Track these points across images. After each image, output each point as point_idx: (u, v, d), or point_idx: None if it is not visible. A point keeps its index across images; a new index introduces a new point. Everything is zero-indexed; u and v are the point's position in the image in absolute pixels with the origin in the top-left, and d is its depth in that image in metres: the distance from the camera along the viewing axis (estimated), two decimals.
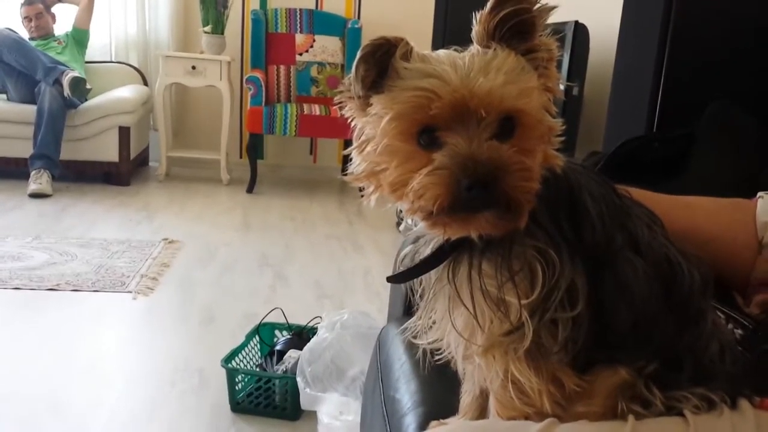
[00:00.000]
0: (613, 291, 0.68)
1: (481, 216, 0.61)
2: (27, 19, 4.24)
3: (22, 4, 4.27)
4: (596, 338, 0.68)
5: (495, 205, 0.60)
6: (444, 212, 0.60)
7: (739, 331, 0.81)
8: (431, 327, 0.74)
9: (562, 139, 0.66)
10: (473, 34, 0.66)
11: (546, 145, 0.64)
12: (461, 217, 0.61)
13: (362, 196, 0.69)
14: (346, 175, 0.69)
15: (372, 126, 0.64)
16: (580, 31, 2.63)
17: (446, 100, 0.60)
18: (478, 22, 0.65)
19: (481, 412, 0.80)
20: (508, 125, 0.61)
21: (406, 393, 0.95)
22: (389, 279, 0.76)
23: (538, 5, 0.64)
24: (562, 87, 0.68)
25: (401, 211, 0.68)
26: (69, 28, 4.40)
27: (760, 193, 0.90)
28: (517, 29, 0.64)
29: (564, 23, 2.60)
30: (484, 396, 0.79)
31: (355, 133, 0.68)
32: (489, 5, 0.64)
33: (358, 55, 0.64)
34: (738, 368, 0.71)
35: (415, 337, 0.77)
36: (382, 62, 0.63)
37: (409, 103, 0.61)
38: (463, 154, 0.59)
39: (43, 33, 4.28)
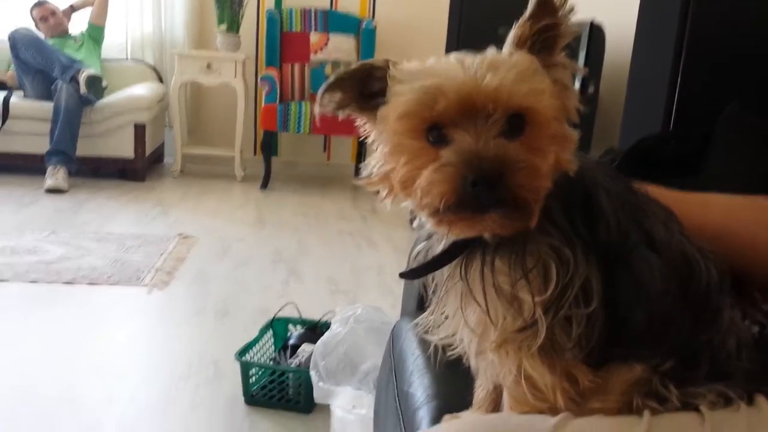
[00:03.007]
0: (628, 288, 0.67)
1: (488, 217, 0.60)
2: (42, 19, 4.28)
3: (33, 7, 4.30)
4: (611, 335, 0.67)
5: (501, 203, 0.59)
6: (450, 210, 0.60)
7: (756, 328, 0.81)
8: (443, 323, 0.74)
9: (577, 144, 0.66)
10: (509, 37, 0.66)
11: (558, 147, 0.63)
12: (467, 217, 0.61)
13: (377, 193, 0.70)
14: (359, 177, 0.69)
15: (382, 129, 0.65)
16: (596, 30, 2.62)
17: (452, 96, 0.60)
18: (517, 26, 0.65)
19: (495, 407, 0.80)
20: (518, 123, 0.61)
21: (420, 387, 0.96)
22: (402, 275, 0.76)
23: (571, 23, 0.65)
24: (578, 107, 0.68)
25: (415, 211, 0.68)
26: (85, 26, 4.44)
27: None
28: (547, 43, 0.65)
29: (580, 22, 2.59)
30: (497, 391, 0.79)
31: (369, 139, 0.68)
32: (528, 12, 0.65)
33: (329, 82, 0.66)
34: (755, 365, 0.71)
35: (427, 333, 0.77)
36: (361, 85, 0.66)
37: (416, 101, 0.61)
38: (469, 150, 0.59)
39: (60, 31, 4.31)
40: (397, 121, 0.62)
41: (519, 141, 0.60)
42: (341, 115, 0.69)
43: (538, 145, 0.61)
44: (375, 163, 0.66)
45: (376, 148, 0.67)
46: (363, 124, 0.69)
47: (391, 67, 0.65)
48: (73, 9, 4.46)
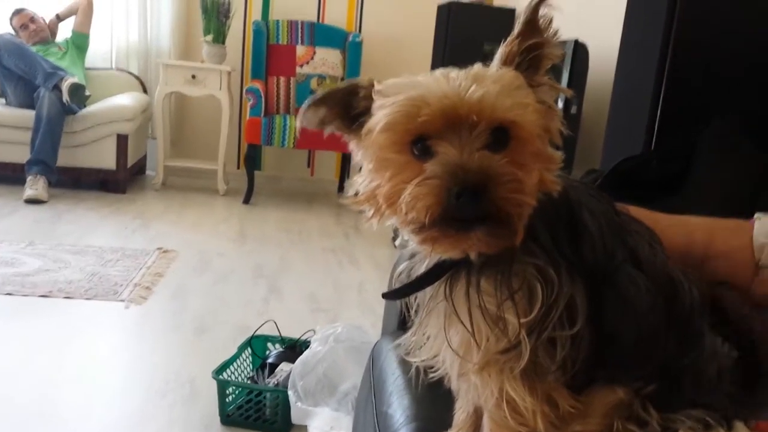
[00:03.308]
0: (615, 307, 0.67)
1: (473, 235, 0.60)
2: (22, 27, 4.24)
3: (12, 17, 4.27)
4: (598, 355, 0.67)
5: (485, 219, 0.59)
6: (435, 224, 0.59)
7: (736, 353, 0.80)
8: (425, 344, 0.73)
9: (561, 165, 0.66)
10: (497, 54, 0.66)
11: (542, 165, 0.63)
12: (452, 235, 0.60)
13: (361, 212, 0.69)
14: (345, 196, 0.68)
15: (367, 145, 0.65)
16: (579, 49, 2.64)
17: (436, 107, 0.60)
18: (505, 44, 0.66)
19: (475, 430, 0.79)
20: (502, 137, 0.61)
21: (399, 408, 0.94)
22: (385, 295, 0.75)
23: (557, 44, 0.66)
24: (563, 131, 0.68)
25: (397, 230, 0.67)
26: (69, 34, 4.42)
27: (757, 214, 0.90)
28: (533, 62, 0.65)
29: (564, 42, 2.61)
30: (478, 414, 0.78)
31: (354, 158, 0.68)
32: (516, 31, 0.66)
33: (314, 98, 0.67)
34: (735, 390, 0.71)
35: (407, 354, 0.76)
36: (345, 103, 0.66)
37: (399, 112, 0.61)
38: (453, 162, 0.59)
39: (44, 36, 4.29)
40: (381, 134, 0.62)
41: (503, 155, 0.60)
42: (326, 131, 0.69)
43: (522, 160, 0.61)
44: (361, 181, 0.66)
45: (362, 167, 0.66)
46: (348, 142, 0.69)
47: (375, 85, 0.65)
48: (59, 18, 4.44)
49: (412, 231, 0.62)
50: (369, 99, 0.65)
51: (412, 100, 0.61)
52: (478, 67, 0.64)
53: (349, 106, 0.67)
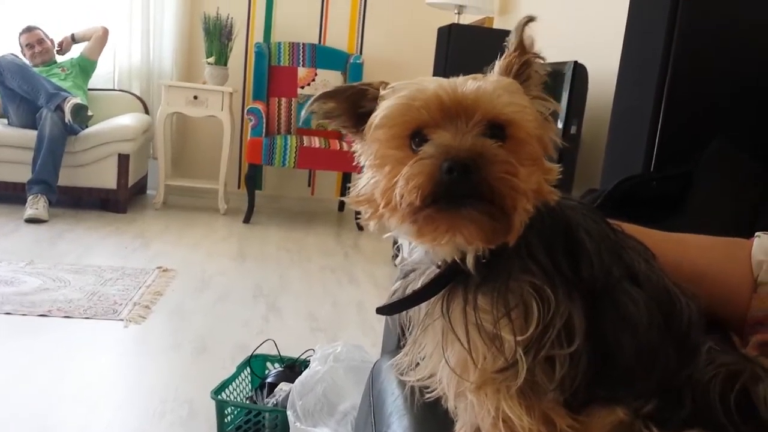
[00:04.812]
0: (615, 323, 0.67)
1: (465, 212, 0.59)
2: (28, 46, 4.27)
3: (21, 33, 4.30)
4: (599, 373, 0.67)
5: (477, 195, 0.58)
6: (427, 201, 0.59)
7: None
8: (418, 364, 0.73)
9: (559, 180, 0.66)
10: (496, 66, 0.68)
11: (538, 170, 0.63)
12: (443, 209, 0.59)
13: (357, 219, 0.70)
14: (346, 196, 0.69)
15: (369, 142, 0.66)
16: (579, 70, 2.65)
17: (432, 96, 0.61)
18: (503, 57, 0.68)
19: None
20: (498, 134, 0.61)
21: (399, 428, 0.93)
22: (379, 310, 0.74)
23: (542, 64, 0.68)
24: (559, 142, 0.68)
25: (398, 247, 0.68)
26: (74, 55, 4.45)
27: (758, 233, 0.90)
28: (526, 78, 0.67)
29: (564, 63, 2.63)
30: None
31: (357, 157, 0.70)
32: (513, 46, 0.68)
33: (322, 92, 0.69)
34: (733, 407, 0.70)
35: (402, 374, 0.75)
36: (354, 102, 0.68)
37: (398, 105, 0.63)
38: (447, 143, 0.59)
39: (47, 58, 4.32)
40: (381, 128, 0.63)
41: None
42: (331, 125, 0.71)
43: (519, 160, 0.61)
44: (362, 183, 0.67)
45: (364, 168, 0.68)
46: (352, 140, 0.71)
47: (382, 89, 0.66)
48: (74, 39, 4.47)
49: (407, 221, 0.62)
50: (376, 101, 0.66)
51: (410, 93, 0.63)
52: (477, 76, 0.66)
53: (357, 104, 0.68)
